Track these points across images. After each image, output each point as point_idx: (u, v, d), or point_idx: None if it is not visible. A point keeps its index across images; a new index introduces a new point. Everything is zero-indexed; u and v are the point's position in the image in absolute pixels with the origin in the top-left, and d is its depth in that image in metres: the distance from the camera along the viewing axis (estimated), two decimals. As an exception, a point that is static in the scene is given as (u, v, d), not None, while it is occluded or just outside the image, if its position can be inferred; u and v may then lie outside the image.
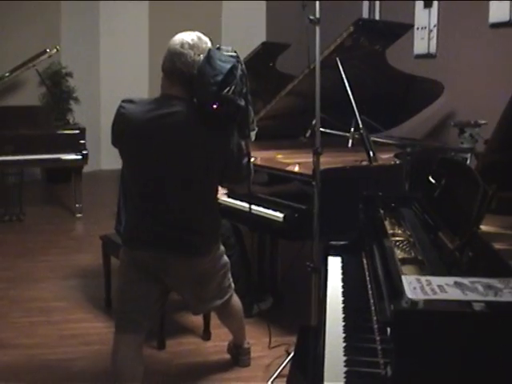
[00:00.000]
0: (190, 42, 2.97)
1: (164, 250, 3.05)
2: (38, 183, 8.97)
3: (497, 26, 5.40)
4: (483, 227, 2.70)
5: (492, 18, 5.45)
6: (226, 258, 3.32)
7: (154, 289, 3.17)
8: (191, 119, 2.94)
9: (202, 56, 2.94)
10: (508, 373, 1.64)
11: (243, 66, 2.93)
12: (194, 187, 3.02)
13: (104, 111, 9.00)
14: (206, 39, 3.03)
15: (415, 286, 1.84)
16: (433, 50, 6.13)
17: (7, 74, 7.53)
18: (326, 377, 1.93)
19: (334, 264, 2.97)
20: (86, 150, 6.94)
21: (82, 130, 6.97)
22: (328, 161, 4.45)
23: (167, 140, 2.95)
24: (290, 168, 4.34)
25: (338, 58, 4.37)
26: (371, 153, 4.17)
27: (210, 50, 2.94)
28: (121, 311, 3.20)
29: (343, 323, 2.31)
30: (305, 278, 3.67)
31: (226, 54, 2.93)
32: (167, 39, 3.04)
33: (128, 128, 2.99)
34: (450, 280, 1.89)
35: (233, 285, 3.43)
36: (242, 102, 2.88)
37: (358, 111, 4.29)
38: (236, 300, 3.55)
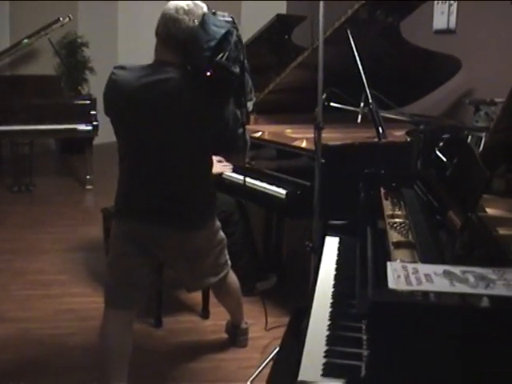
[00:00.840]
0: (186, 8, 2.84)
1: (157, 222, 2.95)
2: (52, 154, 8.87)
3: (518, 0, 5.15)
4: (489, 210, 2.55)
5: (514, -8, 5.20)
6: (222, 234, 3.22)
7: (146, 262, 3.07)
8: (185, 86, 2.81)
9: (197, 22, 2.81)
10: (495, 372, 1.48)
11: (239, 32, 2.79)
12: (187, 157, 2.92)
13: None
14: (202, 5, 2.90)
15: (399, 275, 1.68)
16: (452, 25, 5.91)
17: (25, 41, 7.35)
18: (302, 367, 1.76)
19: (331, 245, 2.81)
20: (96, 120, 6.80)
21: (93, 101, 6.81)
22: (337, 137, 4.33)
23: (160, 107, 2.83)
24: (296, 143, 4.19)
25: (348, 31, 4.17)
26: (380, 129, 4.00)
27: (204, 14, 2.81)
28: (111, 285, 3.10)
29: (330, 309, 2.15)
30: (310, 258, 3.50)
31: (221, 19, 2.79)
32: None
33: (120, 95, 2.87)
34: (440, 268, 1.73)
35: (229, 262, 3.32)
36: (237, 69, 2.75)
37: (369, 86, 4.12)
38: (233, 278, 3.44)
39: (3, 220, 6.00)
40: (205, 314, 4.06)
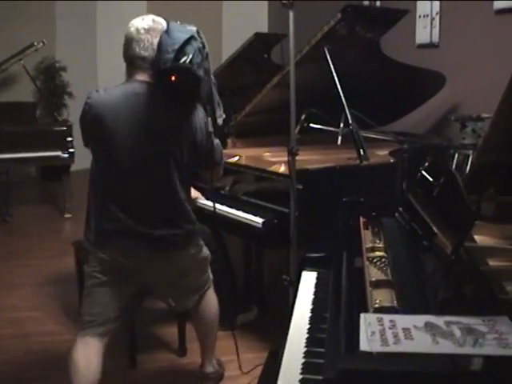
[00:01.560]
0: (145, 27, 2.87)
1: (139, 246, 2.89)
2: (32, 181, 8.60)
3: (502, 12, 4.96)
4: (478, 238, 2.32)
5: (497, 4, 5.01)
6: (206, 251, 3.16)
7: (124, 292, 2.98)
8: (154, 100, 2.82)
9: (159, 37, 2.82)
10: None
11: (203, 39, 2.80)
12: (165, 175, 2.86)
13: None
14: (161, 20, 2.91)
15: (374, 331, 1.43)
16: (435, 39, 5.70)
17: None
18: None
19: (308, 280, 2.55)
20: (72, 147, 6.57)
21: (69, 127, 6.59)
22: (317, 159, 4.15)
23: (133, 124, 2.81)
24: (274, 167, 3.96)
25: (325, 48, 3.95)
26: (361, 151, 3.77)
27: (169, 22, 2.85)
28: (85, 313, 2.98)
29: (303, 356, 1.90)
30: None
31: (186, 26, 2.81)
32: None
33: (97, 117, 2.80)
34: (421, 320, 1.48)
35: (211, 276, 3.25)
36: (201, 73, 2.73)
37: (350, 105, 3.91)
38: (213, 299, 3.31)
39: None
40: (182, 351, 3.79)
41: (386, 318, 1.50)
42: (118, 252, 2.89)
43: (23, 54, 6.95)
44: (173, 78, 2.69)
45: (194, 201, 3.86)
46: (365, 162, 3.76)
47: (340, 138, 3.96)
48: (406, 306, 1.66)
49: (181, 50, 2.68)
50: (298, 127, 4.12)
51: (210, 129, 2.90)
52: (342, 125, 3.96)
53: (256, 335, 3.88)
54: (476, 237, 2.29)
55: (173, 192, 2.88)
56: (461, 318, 1.48)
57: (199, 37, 2.78)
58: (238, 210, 3.80)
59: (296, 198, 3.41)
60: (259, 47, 6.06)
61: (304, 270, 2.65)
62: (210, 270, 3.23)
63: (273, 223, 3.50)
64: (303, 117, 4.14)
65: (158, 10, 8.72)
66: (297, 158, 4.16)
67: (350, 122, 3.86)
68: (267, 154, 4.41)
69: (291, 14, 3.00)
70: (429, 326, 1.45)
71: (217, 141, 2.97)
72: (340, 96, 3.92)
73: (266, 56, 6.13)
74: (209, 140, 2.92)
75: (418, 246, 2.15)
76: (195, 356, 3.68)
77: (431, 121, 5.63)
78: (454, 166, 4.12)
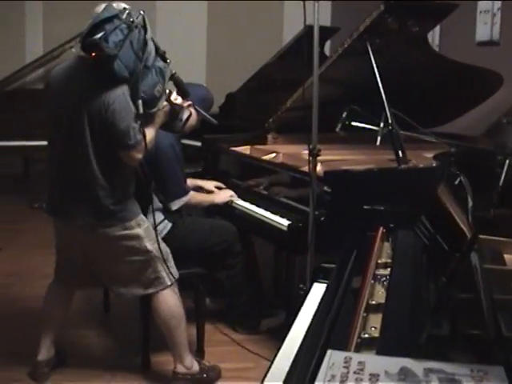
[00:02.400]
0: (99, 10, 2.93)
1: (63, 219, 3.15)
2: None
3: None
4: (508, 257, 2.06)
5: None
6: (147, 244, 3.14)
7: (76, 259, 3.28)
8: (79, 74, 3.00)
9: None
10: None
11: (136, 21, 2.86)
12: (87, 152, 2.97)
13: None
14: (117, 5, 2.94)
15: (335, 374, 1.20)
16: (496, 36, 5.34)
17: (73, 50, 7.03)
18: None
19: (317, 294, 2.31)
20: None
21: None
22: (358, 159, 3.96)
23: (61, 96, 3.04)
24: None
25: (368, 42, 3.68)
26: (400, 153, 3.51)
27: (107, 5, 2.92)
28: (56, 260, 3.46)
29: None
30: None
31: (119, 7, 2.89)
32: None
33: (45, 89, 3.29)
34: (396, 364, 1.24)
35: (166, 282, 3.21)
36: (113, 50, 2.78)
37: (392, 104, 3.70)
38: (170, 303, 3.24)
39: (15, 238, 5.68)
40: (199, 353, 3.60)
41: (356, 358, 1.26)
42: (56, 221, 3.24)
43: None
44: (93, 55, 2.81)
45: (227, 200, 3.85)
46: (403, 166, 3.48)
47: (379, 138, 3.68)
48: (388, 339, 1.41)
49: (98, 26, 2.77)
50: (339, 125, 3.94)
51: (130, 111, 2.89)
52: (382, 124, 3.68)
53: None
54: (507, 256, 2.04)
55: (87, 163, 2.96)
56: (445, 364, 1.23)
57: (129, 16, 2.83)
58: (266, 210, 3.62)
59: (324, 200, 3.22)
60: (311, 41, 5.80)
61: (316, 281, 2.42)
62: (164, 271, 3.20)
63: (297, 227, 3.25)
64: (345, 114, 3.92)
65: (219, 9, 8.60)
66: (336, 157, 4.00)
67: (390, 121, 3.59)
68: (306, 151, 4.14)
69: (316, 5, 2.75)
70: (403, 373, 1.21)
71: (135, 124, 2.91)
72: (381, 94, 3.63)
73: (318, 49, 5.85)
74: (124, 121, 2.89)
75: (431, 266, 1.90)
76: (213, 358, 3.48)
77: (484, 123, 5.27)
78: (503, 174, 3.79)
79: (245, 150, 4.39)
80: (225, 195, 3.88)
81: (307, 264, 3.00)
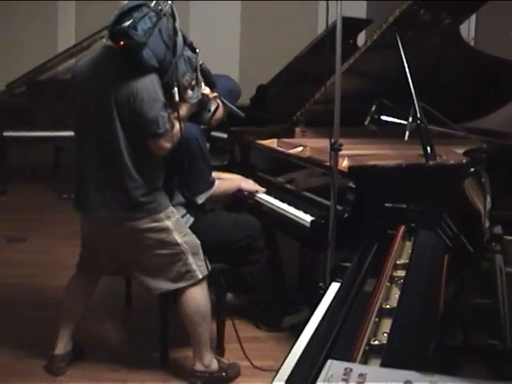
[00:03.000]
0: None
1: (94, 210, 3.09)
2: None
3: None
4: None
5: None
6: (175, 237, 3.11)
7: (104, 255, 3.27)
8: (107, 63, 2.99)
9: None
10: None
11: (164, 9, 2.85)
12: (112, 142, 2.97)
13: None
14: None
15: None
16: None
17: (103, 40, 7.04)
18: None
19: (334, 293, 2.22)
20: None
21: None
22: (385, 154, 3.88)
23: (89, 86, 3.02)
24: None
25: (398, 35, 3.59)
26: (428, 148, 3.41)
27: None
28: (81, 254, 3.46)
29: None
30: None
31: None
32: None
33: (71, 82, 3.15)
34: (400, 378, 1.16)
35: (198, 275, 3.16)
36: (141, 38, 2.76)
37: (423, 98, 3.60)
38: (195, 297, 3.20)
39: (42, 229, 5.69)
40: (220, 350, 3.54)
41: (357, 370, 1.18)
42: (85, 217, 3.23)
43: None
44: (121, 43, 2.79)
45: (253, 188, 3.79)
46: (431, 162, 3.38)
47: (407, 132, 3.57)
48: (394, 349, 1.33)
49: (124, 15, 2.77)
50: (368, 118, 3.82)
51: (158, 99, 2.88)
52: (410, 119, 3.57)
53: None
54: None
55: (118, 154, 2.95)
56: (454, 379, 1.15)
57: (159, 8, 2.83)
58: (289, 205, 3.55)
59: (348, 197, 3.14)
60: (344, 32, 5.70)
61: (335, 280, 2.34)
62: (194, 265, 3.16)
63: (320, 223, 3.17)
64: (374, 107, 3.80)
65: (253, 9, 8.52)
66: (363, 151, 3.91)
67: (419, 115, 3.50)
68: None
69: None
70: (406, 387, 1.12)
71: (164, 113, 2.90)
72: (410, 87, 3.53)
73: (351, 42, 5.76)
74: (153, 109, 2.88)
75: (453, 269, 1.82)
76: (233, 355, 3.44)
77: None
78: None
79: (272, 143, 4.32)
80: (251, 183, 3.83)
81: (327, 261, 2.90)
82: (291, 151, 4.04)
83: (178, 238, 3.11)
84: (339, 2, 2.87)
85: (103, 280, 3.61)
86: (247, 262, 3.66)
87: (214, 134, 5.27)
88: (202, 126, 3.57)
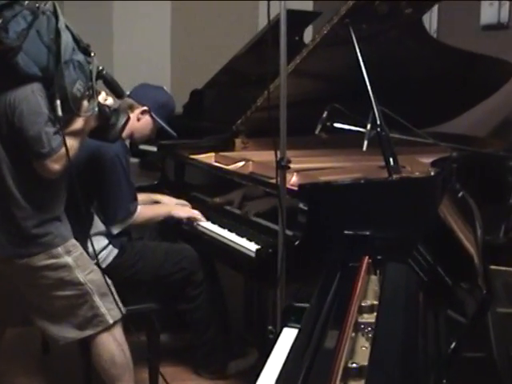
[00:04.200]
0: None
1: None
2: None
3: None
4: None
5: None
6: (82, 278, 2.97)
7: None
8: None
9: None
10: None
11: (43, 7, 2.71)
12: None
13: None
14: None
15: None
16: (504, 19, 5.15)
17: None
18: None
19: (286, 342, 2.04)
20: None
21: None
22: (341, 167, 3.81)
23: None
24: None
25: (351, 29, 3.48)
26: (391, 160, 3.31)
27: None
28: None
29: None
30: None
31: None
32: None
33: None
34: None
35: (108, 320, 3.02)
36: (15, 42, 2.63)
37: (382, 102, 3.48)
38: (113, 347, 3.07)
39: None
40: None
41: None
42: None
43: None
44: None
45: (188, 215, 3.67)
46: (394, 176, 3.25)
47: (366, 141, 3.44)
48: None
49: None
50: (319, 126, 3.72)
51: (43, 111, 2.73)
52: (369, 126, 3.45)
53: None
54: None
55: (1, 177, 2.82)
56: None
57: (36, 5, 2.69)
58: (230, 231, 3.43)
59: (299, 220, 2.99)
60: (288, 28, 5.59)
61: (286, 325, 2.19)
62: (103, 308, 3.00)
63: (267, 252, 3.01)
64: (325, 113, 3.69)
65: (185, 8, 8.39)
66: (314, 164, 3.78)
67: (378, 121, 3.39)
68: None
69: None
70: None
71: (49, 129, 2.73)
72: (367, 89, 3.43)
73: (297, 38, 5.64)
74: (35, 124, 2.73)
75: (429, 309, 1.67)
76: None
77: (492, 122, 5.09)
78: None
79: (209, 157, 4.17)
80: (185, 210, 3.71)
81: (277, 299, 2.75)
82: (230, 167, 3.89)
83: (81, 277, 2.97)
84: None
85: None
86: (184, 298, 3.58)
87: (144, 147, 5.14)
88: (127, 141, 3.50)
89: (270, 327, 2.73)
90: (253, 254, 3.12)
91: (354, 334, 1.67)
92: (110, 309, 3.01)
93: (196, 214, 3.64)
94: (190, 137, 4.53)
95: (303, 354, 1.60)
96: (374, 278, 2.10)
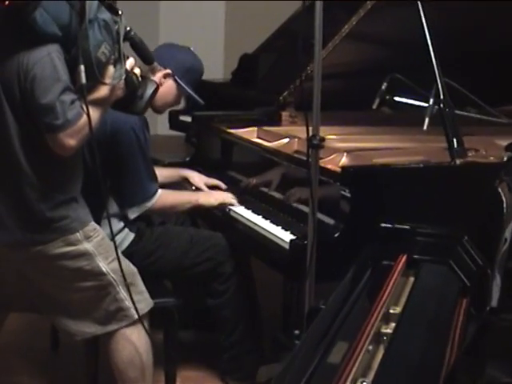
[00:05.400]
0: None
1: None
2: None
3: None
4: None
5: None
6: (104, 267, 2.95)
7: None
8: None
9: None
10: None
11: None
12: (5, 134, 2.79)
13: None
14: None
15: None
16: None
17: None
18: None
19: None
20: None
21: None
22: (399, 148, 3.71)
23: None
24: (332, 158, 3.40)
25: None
26: (455, 142, 3.24)
27: None
28: None
29: None
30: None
31: None
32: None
33: None
34: None
35: (132, 315, 3.00)
36: None
37: (444, 73, 3.40)
38: (135, 346, 3.07)
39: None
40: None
41: None
42: None
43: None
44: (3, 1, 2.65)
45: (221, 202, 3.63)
46: (458, 161, 3.18)
47: (427, 119, 3.40)
48: None
49: None
50: (377, 100, 3.74)
51: (60, 78, 2.68)
52: (431, 101, 3.40)
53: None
54: None
55: (10, 154, 2.79)
56: None
57: None
58: (265, 218, 3.38)
59: (341, 209, 2.94)
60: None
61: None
62: (125, 302, 2.98)
63: (302, 244, 2.96)
64: (384, 85, 3.70)
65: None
66: (369, 144, 3.71)
67: (442, 95, 3.32)
68: (333, 136, 3.88)
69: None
70: None
71: (65, 97, 2.67)
72: (431, 58, 3.36)
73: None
74: (49, 91, 2.67)
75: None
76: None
77: None
78: None
79: (250, 132, 4.12)
80: (219, 196, 3.67)
81: (305, 299, 2.76)
82: (273, 144, 3.83)
83: (104, 266, 2.94)
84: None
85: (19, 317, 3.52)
86: (210, 293, 3.55)
87: (184, 118, 5.16)
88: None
89: (296, 331, 2.66)
90: (286, 246, 3.07)
91: (371, 347, 1.60)
92: (136, 301, 2.98)
93: (228, 198, 3.62)
94: (235, 108, 4.52)
95: (304, 368, 1.52)
96: (412, 280, 2.02)
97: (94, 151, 2.80)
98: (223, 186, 3.81)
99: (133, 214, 3.31)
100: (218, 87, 5.26)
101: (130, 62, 2.90)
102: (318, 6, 2.85)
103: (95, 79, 2.71)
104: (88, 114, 2.66)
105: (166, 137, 7.87)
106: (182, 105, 4.41)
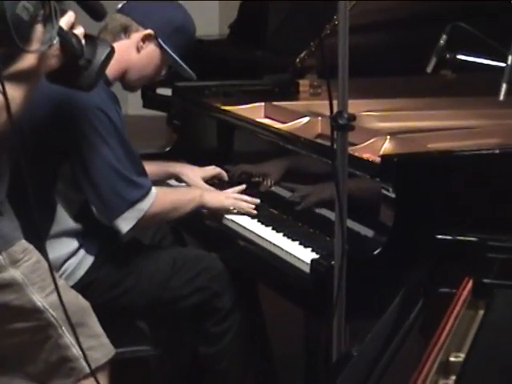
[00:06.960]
0: None
1: None
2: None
3: None
4: None
5: None
6: (40, 302, 2.96)
7: None
8: None
9: None
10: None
11: None
12: None
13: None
14: None
15: None
16: None
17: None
18: None
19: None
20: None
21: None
22: (464, 127, 3.79)
23: None
24: (367, 145, 3.50)
25: None
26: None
27: None
28: None
29: None
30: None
31: None
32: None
33: None
34: None
35: (81, 368, 3.01)
36: None
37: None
38: None
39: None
40: None
41: None
42: None
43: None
44: None
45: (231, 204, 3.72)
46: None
47: (504, 85, 3.46)
48: None
49: None
50: (433, 60, 3.87)
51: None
52: (510, 59, 3.47)
53: None
54: None
55: None
56: None
57: None
58: (277, 231, 3.45)
59: (381, 215, 3.04)
60: None
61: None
62: (74, 351, 3.00)
63: (328, 266, 3.00)
64: (443, 38, 3.81)
65: None
66: (421, 122, 3.76)
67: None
68: (369, 112, 4.01)
69: None
70: None
71: None
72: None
73: None
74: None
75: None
76: None
77: None
78: None
79: (255, 109, 4.19)
80: (232, 196, 3.74)
81: (333, 340, 2.83)
82: (287, 126, 3.88)
83: (39, 300, 2.97)
84: None
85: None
86: (202, 337, 3.60)
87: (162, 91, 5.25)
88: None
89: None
90: (306, 268, 3.12)
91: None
92: (87, 348, 3.00)
93: (243, 202, 3.66)
94: (235, 75, 4.59)
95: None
96: (481, 314, 2.09)
97: (19, 145, 2.83)
98: (225, 176, 3.90)
99: (127, 225, 3.34)
100: (211, 46, 5.33)
101: (67, 19, 2.90)
102: None
103: (13, 45, 2.71)
104: (4, 93, 2.66)
105: (139, 117, 8.02)
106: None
